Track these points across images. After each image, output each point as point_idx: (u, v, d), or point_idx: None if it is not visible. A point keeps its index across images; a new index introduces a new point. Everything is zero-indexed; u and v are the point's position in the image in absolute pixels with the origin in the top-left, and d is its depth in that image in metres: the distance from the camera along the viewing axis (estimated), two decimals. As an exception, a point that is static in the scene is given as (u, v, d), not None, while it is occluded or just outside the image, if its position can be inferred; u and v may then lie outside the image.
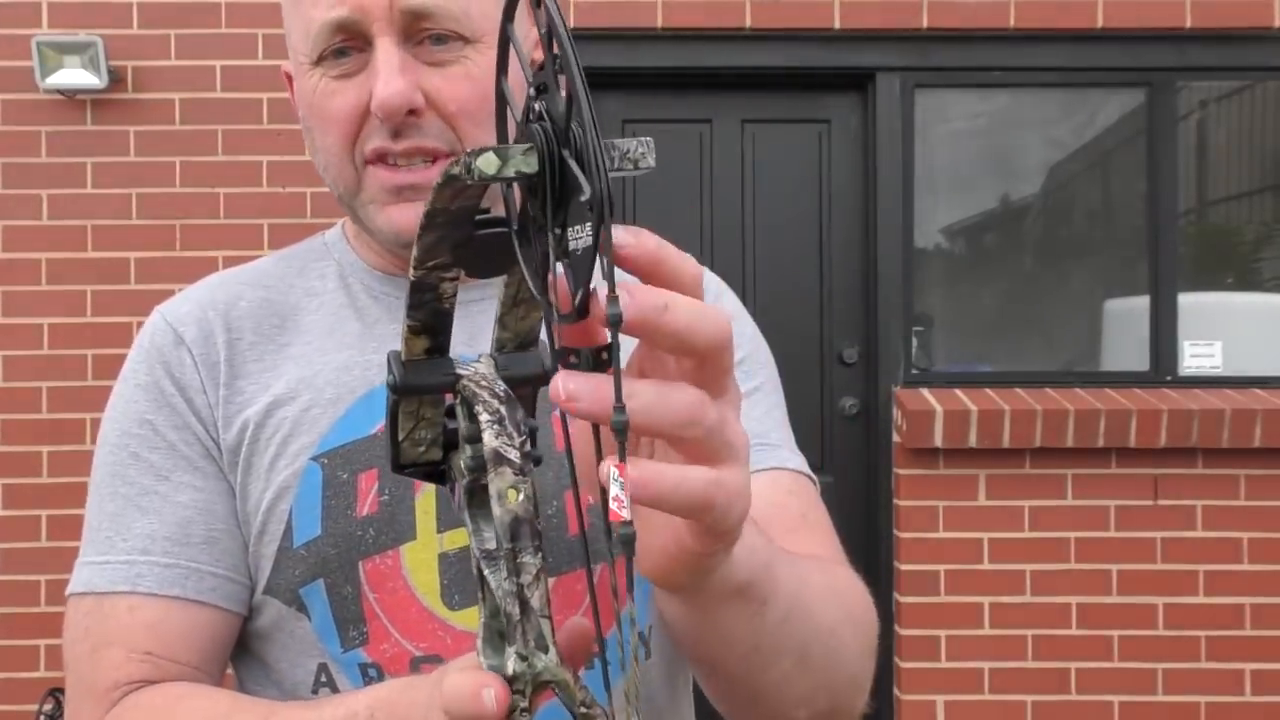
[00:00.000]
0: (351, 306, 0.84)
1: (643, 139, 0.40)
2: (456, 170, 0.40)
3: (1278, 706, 3.04)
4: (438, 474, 0.53)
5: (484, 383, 0.46)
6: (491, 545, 0.46)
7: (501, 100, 0.45)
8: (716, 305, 0.84)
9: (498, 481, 0.43)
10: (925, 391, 3.14)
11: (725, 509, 0.43)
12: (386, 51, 0.74)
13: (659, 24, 3.13)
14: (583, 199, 0.37)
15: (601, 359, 0.41)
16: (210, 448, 0.80)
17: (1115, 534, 3.06)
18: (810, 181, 3.37)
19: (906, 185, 3.27)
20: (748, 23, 3.16)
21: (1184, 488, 3.06)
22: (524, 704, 0.44)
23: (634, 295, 0.38)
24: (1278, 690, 3.04)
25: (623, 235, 0.38)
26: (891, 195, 3.26)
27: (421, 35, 0.75)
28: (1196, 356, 3.26)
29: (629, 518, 0.37)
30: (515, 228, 0.43)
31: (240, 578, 0.79)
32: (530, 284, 0.42)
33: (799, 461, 0.86)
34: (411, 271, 0.45)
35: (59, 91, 3.04)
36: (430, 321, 0.47)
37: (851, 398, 3.29)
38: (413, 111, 0.74)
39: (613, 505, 0.37)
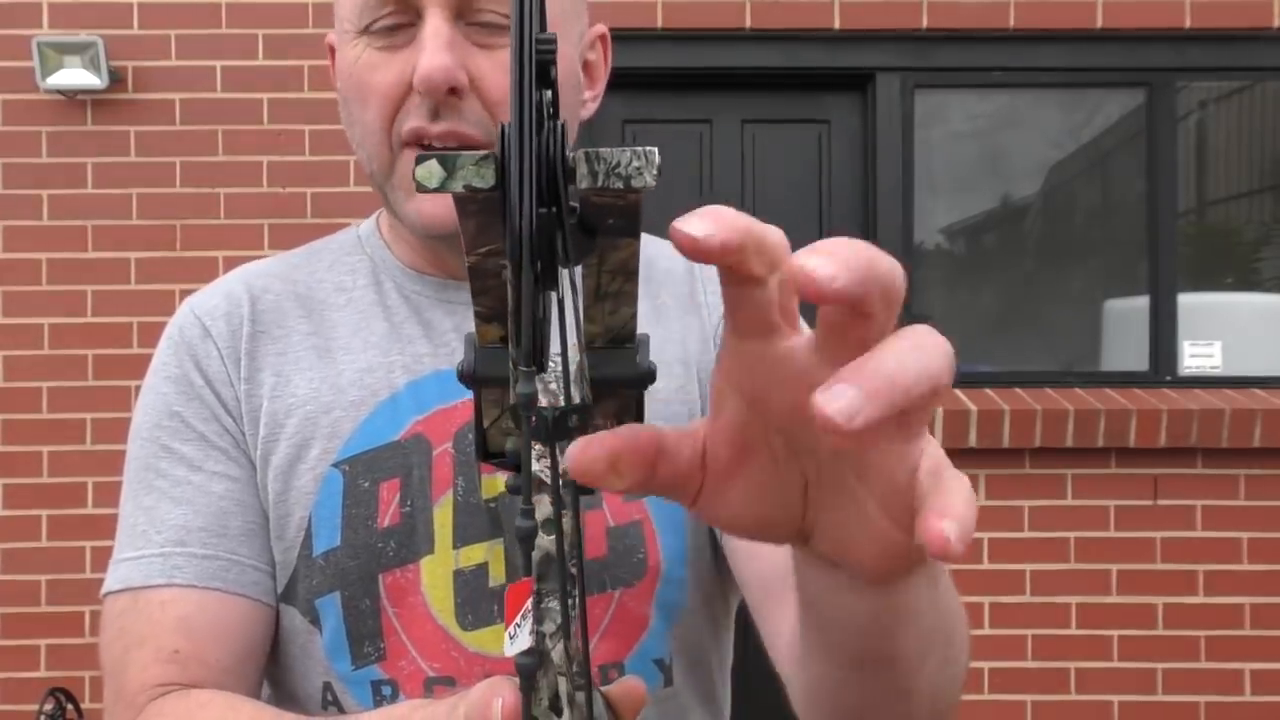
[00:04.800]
0: (380, 305, 0.82)
1: (642, 149, 0.33)
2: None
3: (1278, 706, 3.04)
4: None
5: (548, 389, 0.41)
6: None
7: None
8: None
9: (536, 511, 0.39)
10: (925, 391, 3.14)
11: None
12: (436, 25, 0.71)
13: (659, 24, 3.13)
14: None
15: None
16: (240, 439, 0.78)
17: (1115, 534, 3.06)
18: (810, 181, 3.37)
19: (906, 185, 3.27)
20: (748, 23, 3.16)
21: (1184, 488, 3.05)
22: None
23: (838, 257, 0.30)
24: (1278, 690, 3.04)
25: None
26: (891, 195, 3.26)
27: (473, 17, 0.72)
28: (1196, 356, 3.26)
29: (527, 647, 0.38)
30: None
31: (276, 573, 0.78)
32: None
33: None
34: (465, 259, 0.39)
35: (59, 91, 3.04)
36: (499, 307, 0.40)
37: (851, 398, 3.29)
38: (454, 91, 0.71)
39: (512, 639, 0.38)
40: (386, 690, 0.74)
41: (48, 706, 2.88)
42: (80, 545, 3.06)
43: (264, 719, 0.70)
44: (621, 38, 3.58)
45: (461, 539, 0.74)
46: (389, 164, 0.75)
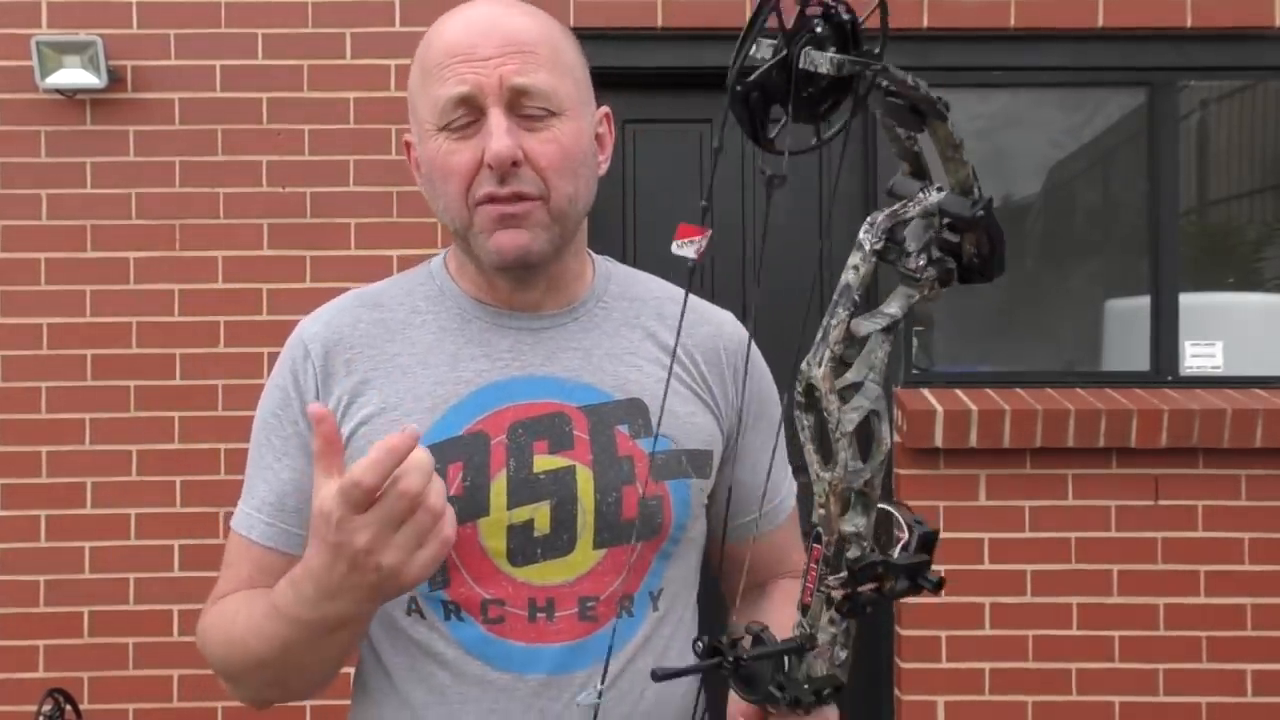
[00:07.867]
0: (448, 329, 1.09)
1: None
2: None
3: (1279, 707, 3.03)
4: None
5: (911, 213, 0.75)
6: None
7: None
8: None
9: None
10: (925, 391, 3.13)
11: None
12: (498, 118, 0.98)
13: (659, 24, 3.12)
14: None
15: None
16: (312, 441, 1.01)
17: (1116, 534, 3.06)
18: (810, 181, 3.36)
19: (907, 185, 3.26)
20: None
21: (1185, 488, 3.05)
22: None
23: None
24: (1279, 691, 3.04)
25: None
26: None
27: (521, 110, 0.99)
28: (1197, 356, 3.25)
29: None
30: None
31: None
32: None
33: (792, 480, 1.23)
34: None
35: (59, 91, 3.04)
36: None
37: (852, 398, 3.29)
38: (515, 163, 0.98)
39: None
40: (452, 608, 1.02)
41: (46, 707, 2.88)
42: (79, 546, 3.05)
43: (254, 595, 1.00)
44: (621, 37, 3.58)
45: (513, 503, 1.01)
46: (468, 219, 1.02)
